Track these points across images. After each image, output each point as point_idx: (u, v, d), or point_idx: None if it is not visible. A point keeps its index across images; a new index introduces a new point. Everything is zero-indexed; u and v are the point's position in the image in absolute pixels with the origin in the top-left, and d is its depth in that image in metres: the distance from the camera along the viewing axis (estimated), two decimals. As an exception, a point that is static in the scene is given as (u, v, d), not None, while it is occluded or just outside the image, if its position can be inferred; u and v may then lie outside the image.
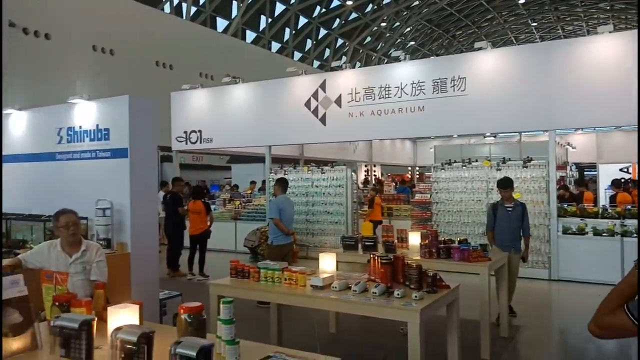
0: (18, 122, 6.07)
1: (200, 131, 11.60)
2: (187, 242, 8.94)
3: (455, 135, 16.39)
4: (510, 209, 5.85)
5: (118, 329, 2.13)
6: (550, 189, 8.26)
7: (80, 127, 5.33)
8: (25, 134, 5.99)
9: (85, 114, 5.31)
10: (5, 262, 3.79)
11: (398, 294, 3.49)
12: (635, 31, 11.40)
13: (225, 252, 11.00)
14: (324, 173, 10.47)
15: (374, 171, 19.60)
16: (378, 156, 18.88)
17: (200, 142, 11.63)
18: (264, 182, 12.29)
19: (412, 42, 36.58)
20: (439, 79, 8.93)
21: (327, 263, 4.18)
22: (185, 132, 11.78)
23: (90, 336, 2.25)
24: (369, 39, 34.27)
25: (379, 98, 9.41)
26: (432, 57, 17.78)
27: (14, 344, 2.54)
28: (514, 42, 37.45)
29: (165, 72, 20.21)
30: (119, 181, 4.85)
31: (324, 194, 10.36)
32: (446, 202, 9.37)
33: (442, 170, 9.54)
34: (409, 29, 35.13)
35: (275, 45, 28.71)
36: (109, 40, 18.16)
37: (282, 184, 6.97)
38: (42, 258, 3.75)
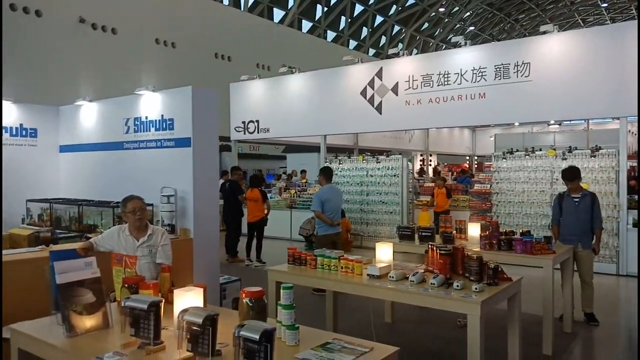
0: (89, 113, 6.41)
1: (257, 121, 11.81)
2: (244, 229, 9.19)
3: (517, 124, 15.78)
4: (577, 199, 5.52)
5: (184, 311, 2.22)
6: (620, 180, 7.80)
7: (146, 117, 5.56)
8: (95, 124, 6.31)
9: (150, 104, 5.53)
10: (78, 245, 4.04)
11: (457, 286, 3.42)
12: None
13: (281, 240, 11.20)
14: (379, 162, 10.38)
15: (430, 161, 19.24)
16: (435, 145, 18.50)
17: (258, 132, 11.84)
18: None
19: (472, 27, 35.39)
20: (502, 64, 8.61)
21: (384, 252, 4.16)
22: (244, 122, 12.03)
23: (158, 317, 2.35)
24: (426, 25, 33.48)
25: (438, 85, 9.20)
26: (493, 42, 17.10)
27: (88, 322, 2.71)
28: (582, 24, 35.41)
29: (223, 64, 20.66)
30: (183, 169, 5.02)
31: (378, 183, 10.29)
32: (507, 192, 9.06)
33: (504, 160, 9.22)
34: (468, 13, 34.01)
35: (331, 34, 28.65)
36: (170, 34, 18.76)
37: (327, 173, 6.87)
38: (112, 242, 3.95)
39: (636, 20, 11.16)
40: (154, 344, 2.34)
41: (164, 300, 2.45)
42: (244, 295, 2.56)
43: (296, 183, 14.46)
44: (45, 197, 6.42)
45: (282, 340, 2.46)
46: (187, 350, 2.19)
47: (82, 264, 2.78)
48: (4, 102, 6.33)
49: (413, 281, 3.62)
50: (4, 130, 6.29)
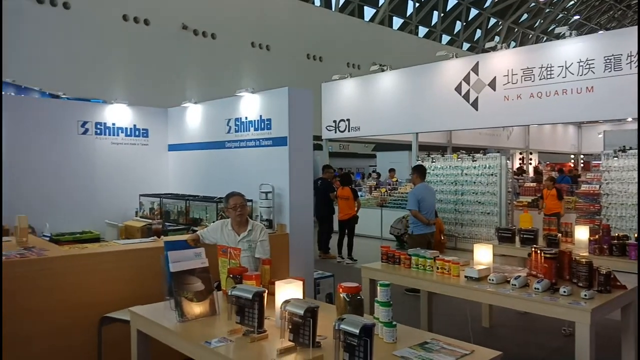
0: (194, 114, 6.85)
1: (348, 120, 11.89)
2: (336, 226, 9.32)
3: (629, 119, 14.45)
4: None
5: (286, 302, 2.32)
6: None
7: (246, 117, 5.83)
8: (200, 124, 6.73)
9: (250, 105, 5.79)
10: (188, 237, 4.34)
11: (565, 292, 3.23)
12: None
13: (371, 238, 11.19)
14: (475, 161, 10.02)
15: (530, 159, 18.18)
16: (535, 143, 17.45)
17: (349, 131, 11.92)
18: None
19: (577, 17, 32.90)
20: (612, 55, 7.92)
21: (483, 254, 4.02)
22: (335, 121, 12.17)
23: (262, 306, 2.48)
24: (525, 16, 31.67)
25: (540, 79, 8.67)
26: (601, 32, 15.79)
27: (197, 308, 2.91)
28: None
29: (315, 64, 21.04)
30: (279, 167, 5.20)
31: (474, 182, 9.93)
32: (619, 194, 8.34)
33: (615, 159, 8.49)
34: (572, 2, 31.67)
35: (423, 30, 28.06)
36: (265, 37, 19.45)
37: (421, 171, 6.75)
38: (216, 235, 4.20)
39: None
40: (258, 332, 2.46)
41: (266, 291, 2.56)
42: (341, 290, 2.61)
43: (386, 182, 14.37)
44: (156, 192, 6.96)
45: (379, 337, 2.48)
46: (289, 340, 2.28)
47: (192, 254, 3.00)
48: (120, 105, 6.95)
49: (515, 285, 3.47)
50: (120, 131, 6.91)
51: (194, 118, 6.83)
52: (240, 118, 5.93)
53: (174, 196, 6.66)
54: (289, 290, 2.62)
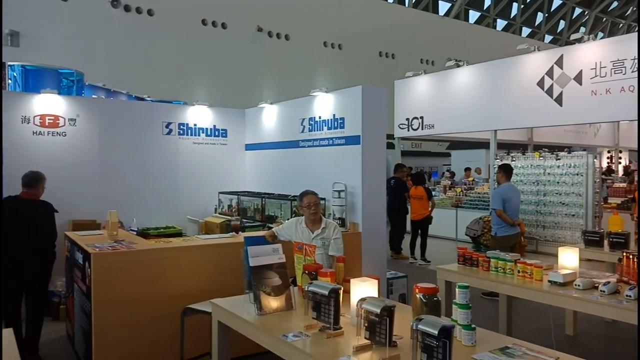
0: (269, 114, 7.03)
1: (422, 117, 11.67)
2: (408, 227, 9.18)
3: None
4: None
5: (362, 300, 2.32)
6: None
7: (319, 117, 5.90)
8: (275, 124, 6.90)
9: (323, 105, 5.85)
10: (265, 233, 4.47)
11: (661, 301, 2.98)
12: None
13: (446, 240, 10.92)
14: (559, 159, 9.47)
15: (620, 158, 16.92)
16: (626, 140, 16.20)
17: (422, 129, 11.70)
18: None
19: (676, 2, 30.11)
20: None
21: (568, 258, 3.81)
22: (407, 119, 11.99)
23: (338, 303, 2.50)
24: (615, 4, 29.49)
25: (632, 72, 8.04)
26: None
27: (274, 303, 2.99)
28: None
29: (387, 62, 20.87)
30: (352, 166, 5.22)
31: (558, 182, 9.39)
32: None
33: None
34: (671, -14, 29.04)
35: (501, 23, 26.94)
36: (336, 36, 19.55)
37: (507, 170, 6.51)
38: (291, 232, 4.29)
39: None
40: (334, 328, 2.49)
41: (342, 288, 2.59)
42: (417, 290, 2.58)
43: (462, 181, 13.96)
44: (234, 189, 7.23)
45: (457, 340, 2.42)
46: (365, 338, 2.29)
47: (270, 250, 3.09)
48: (201, 106, 7.28)
49: (604, 291, 3.25)
50: (201, 131, 7.24)
51: (270, 118, 7.01)
52: (314, 117, 6.01)
53: (251, 194, 6.88)
54: (364, 289, 2.63)
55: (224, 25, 17.30)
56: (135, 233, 5.63)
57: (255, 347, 2.96)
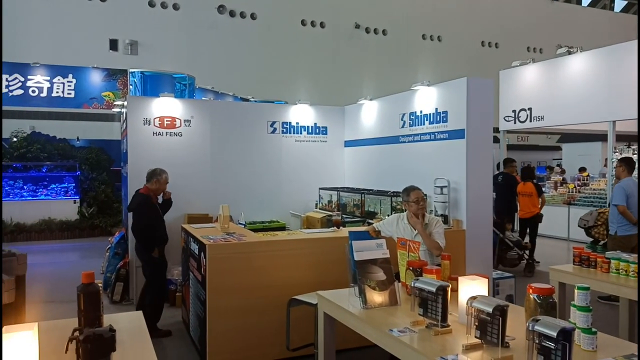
0: (369, 111, 7.05)
1: (530, 109, 11.00)
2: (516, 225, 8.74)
3: None
4: None
5: (473, 298, 2.27)
6: None
7: (420, 111, 5.81)
8: (374, 120, 6.91)
9: (425, 99, 5.75)
10: (367, 228, 4.51)
11: None
12: None
13: (556, 239, 10.23)
14: (690, 152, 8.47)
15: None
16: None
17: (530, 121, 11.02)
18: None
19: None
20: None
21: None
22: (514, 111, 11.37)
23: (445, 301, 2.46)
24: None
25: None
26: None
27: (379, 297, 3.01)
28: None
29: (490, 52, 19.96)
30: (456, 161, 5.08)
31: (689, 177, 8.39)
32: None
33: None
34: None
35: (620, 3, 24.54)
36: (435, 28, 19.06)
37: (629, 164, 5.91)
38: (392, 228, 4.28)
39: None
40: (442, 325, 2.46)
41: (450, 286, 2.54)
42: (531, 291, 2.46)
43: (575, 177, 12.97)
44: (333, 185, 7.36)
45: (576, 344, 2.28)
46: (475, 337, 2.24)
47: (374, 245, 3.12)
48: (303, 105, 7.49)
49: None
50: (303, 129, 7.45)
51: (369, 114, 7.04)
52: (415, 112, 5.93)
53: (350, 190, 6.96)
54: (473, 287, 2.56)
55: (322, 25, 17.61)
56: (243, 226, 5.96)
57: (359, 340, 3.02)
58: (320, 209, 7.13)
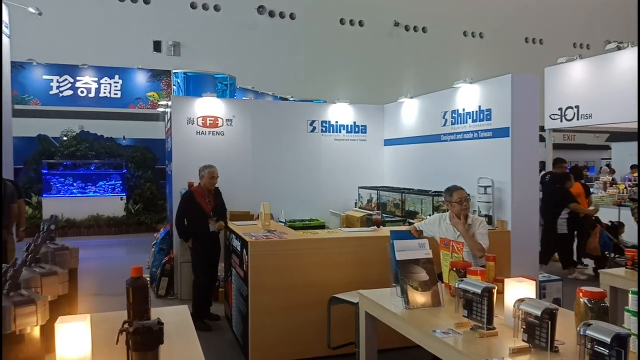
0: (409, 109, 6.97)
1: (577, 107, 10.59)
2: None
3: None
4: None
5: (520, 301, 2.21)
6: None
7: (463, 109, 5.70)
8: (415, 119, 6.82)
9: (467, 96, 5.64)
10: (409, 227, 4.47)
11: None
12: None
13: (606, 241, 9.81)
14: None
15: None
16: None
17: (577, 119, 10.61)
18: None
19: None
20: None
21: None
22: (560, 109, 10.98)
23: (491, 302, 2.41)
24: None
25: None
26: None
27: (421, 298, 2.97)
28: None
29: (535, 48, 19.40)
30: (500, 160, 4.96)
31: None
32: None
33: None
34: None
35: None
36: (478, 25, 18.66)
37: None
38: (434, 228, 4.22)
39: None
40: (487, 328, 2.40)
41: (496, 288, 2.48)
42: (581, 294, 2.37)
43: (626, 177, 12.44)
44: (373, 184, 7.32)
45: (631, 351, 2.18)
46: (523, 340, 2.18)
47: (416, 245, 3.08)
48: (342, 104, 7.48)
49: None
50: (342, 128, 7.45)
51: (409, 113, 6.96)
52: (457, 110, 5.82)
53: (390, 189, 6.90)
54: (520, 289, 2.50)
55: (361, 23, 17.54)
56: (283, 224, 6.01)
57: (401, 341, 2.99)
58: (359, 207, 7.11)
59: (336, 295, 3.92)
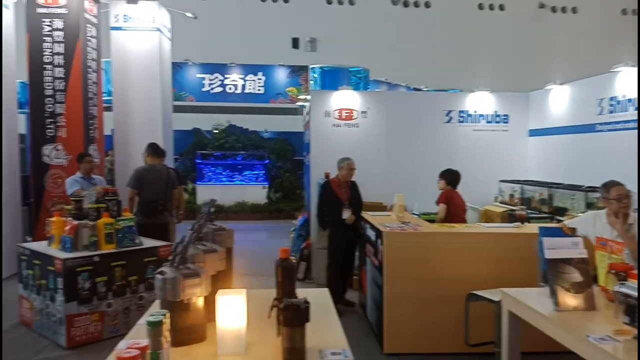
0: (558, 96, 6.43)
1: None
2: None
3: None
4: None
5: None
6: None
7: (623, 96, 5.11)
8: (565, 107, 6.28)
9: (628, 81, 5.04)
10: (560, 224, 4.14)
11: None
12: None
13: None
14: None
15: None
16: None
17: None
18: None
19: None
20: None
21: None
22: None
23: (660, 311, 2.15)
24: None
25: None
26: None
27: (573, 300, 2.75)
28: None
29: None
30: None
31: None
32: None
33: None
34: None
35: None
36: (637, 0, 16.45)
37: None
38: (587, 227, 3.84)
39: None
40: (656, 338, 2.15)
41: (667, 295, 2.20)
42: None
43: None
44: (515, 178, 6.89)
45: None
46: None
47: (569, 243, 2.85)
48: (482, 92, 7.15)
49: None
50: (482, 118, 7.12)
51: (559, 100, 6.42)
52: (617, 97, 5.23)
53: (535, 183, 6.44)
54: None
55: (501, 7, 16.49)
56: (417, 216, 5.94)
57: (547, 344, 2.81)
58: (500, 202, 6.75)
59: (475, 292, 3.79)
